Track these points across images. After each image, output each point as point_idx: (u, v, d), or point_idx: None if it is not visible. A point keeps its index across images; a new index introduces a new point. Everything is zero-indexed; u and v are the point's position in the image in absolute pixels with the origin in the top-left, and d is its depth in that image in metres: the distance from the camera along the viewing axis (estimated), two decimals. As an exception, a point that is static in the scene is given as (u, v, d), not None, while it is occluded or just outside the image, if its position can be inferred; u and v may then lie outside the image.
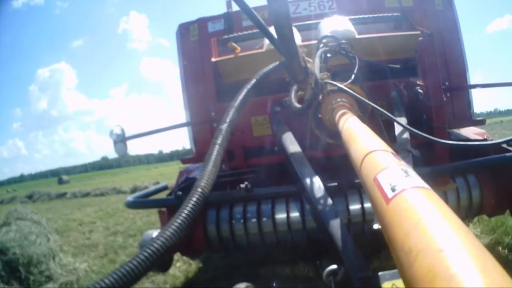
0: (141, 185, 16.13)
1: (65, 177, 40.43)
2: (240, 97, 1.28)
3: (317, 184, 1.77)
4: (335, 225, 1.48)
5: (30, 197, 19.42)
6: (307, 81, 1.68)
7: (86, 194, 17.39)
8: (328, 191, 1.76)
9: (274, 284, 2.87)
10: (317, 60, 1.93)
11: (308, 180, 1.82)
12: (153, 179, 18.71)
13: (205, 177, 0.92)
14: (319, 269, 2.71)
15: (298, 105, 1.86)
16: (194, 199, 0.86)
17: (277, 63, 1.53)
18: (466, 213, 2.35)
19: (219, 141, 1.06)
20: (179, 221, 0.80)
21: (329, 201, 1.66)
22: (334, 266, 1.27)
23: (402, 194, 0.66)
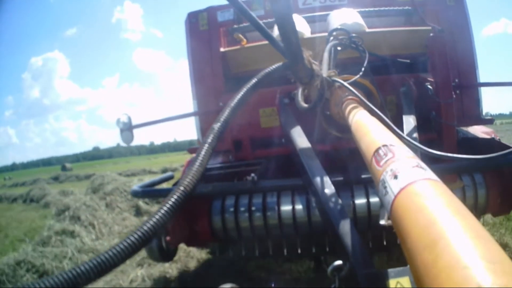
0: (170, 166, 17.71)
1: (68, 165, 41.52)
2: (238, 96, 1.28)
3: (323, 178, 1.76)
4: (341, 220, 1.47)
5: (56, 178, 20.61)
6: (312, 82, 1.66)
7: (118, 175, 17.86)
8: (335, 185, 1.75)
9: (273, 285, 2.87)
10: (326, 54, 1.90)
11: (314, 174, 1.81)
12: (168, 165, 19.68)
13: (190, 175, 0.93)
14: (323, 264, 2.71)
15: (304, 105, 1.84)
16: (175, 196, 0.87)
17: (280, 63, 1.51)
18: (472, 212, 2.33)
19: (209, 140, 1.07)
20: (156, 218, 0.82)
21: (336, 195, 1.66)
22: (339, 262, 1.26)
23: (405, 191, 0.66)
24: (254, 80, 1.40)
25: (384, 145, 0.95)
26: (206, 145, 1.05)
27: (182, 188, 0.90)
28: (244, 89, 1.33)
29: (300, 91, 1.96)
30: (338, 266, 1.26)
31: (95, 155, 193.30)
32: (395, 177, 0.73)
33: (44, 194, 12.34)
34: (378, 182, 0.84)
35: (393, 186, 0.71)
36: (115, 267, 0.75)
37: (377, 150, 0.96)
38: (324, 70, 1.70)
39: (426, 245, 0.51)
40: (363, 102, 1.73)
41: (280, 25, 1.23)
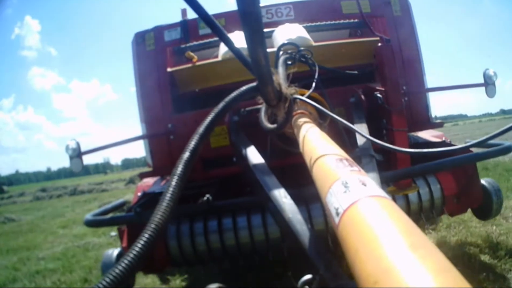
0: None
1: (5, 188, 40.04)
2: (206, 123, 1.22)
3: (282, 193, 1.72)
4: (306, 233, 1.44)
5: (43, 190, 22.53)
6: (280, 104, 1.62)
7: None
8: (294, 199, 1.71)
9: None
10: (281, 69, 1.88)
11: (272, 190, 1.77)
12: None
13: (161, 211, 0.89)
14: (291, 280, 2.65)
15: (270, 125, 1.79)
16: (147, 235, 0.83)
17: (249, 85, 1.46)
18: (429, 214, 2.37)
19: (178, 171, 1.01)
20: (128, 258, 0.78)
21: (296, 209, 1.62)
22: (308, 276, 1.22)
23: (345, 215, 0.63)
24: (222, 104, 1.35)
25: (325, 162, 0.91)
26: (175, 177, 0.99)
27: (153, 225, 0.85)
28: (213, 114, 1.28)
29: (263, 110, 1.91)
30: (308, 280, 1.22)
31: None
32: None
33: (92, 189, 19.60)
34: (324, 201, 0.81)
35: (337, 206, 0.68)
36: None
37: (318, 168, 0.92)
38: (283, 85, 1.67)
39: (371, 269, 0.47)
40: (313, 116, 1.71)
41: (251, 49, 1.17)
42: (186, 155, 1.08)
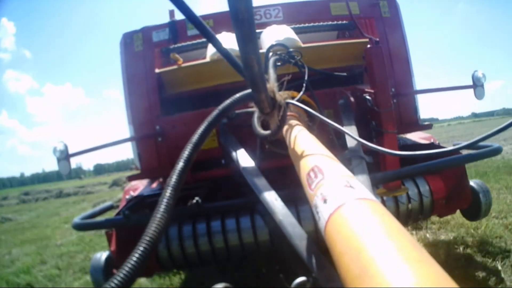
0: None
1: None
2: (200, 131, 1.20)
3: (273, 195, 1.72)
4: (298, 235, 1.43)
5: (26, 194, 23.78)
6: (274, 112, 1.60)
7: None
8: (285, 201, 1.70)
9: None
10: (271, 71, 1.87)
11: (263, 192, 1.76)
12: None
13: (155, 224, 0.87)
14: (284, 282, 2.64)
15: (264, 132, 1.77)
16: (141, 248, 0.81)
17: (243, 93, 1.43)
18: (418, 216, 2.38)
19: (172, 182, 0.99)
20: (123, 273, 0.76)
21: (288, 211, 1.61)
22: (302, 278, 1.22)
23: (334, 215, 0.64)
24: (216, 112, 1.33)
25: (315, 166, 0.90)
26: (170, 188, 0.96)
27: (147, 238, 0.83)
28: (206, 123, 1.26)
29: (256, 116, 1.90)
30: (302, 283, 1.22)
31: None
32: (325, 201, 0.70)
33: (77, 191, 20.73)
34: (312, 206, 0.80)
35: (324, 211, 0.68)
36: None
37: (309, 173, 0.91)
38: (277, 93, 1.65)
39: (357, 275, 0.48)
40: (302, 118, 1.70)
41: (243, 53, 1.15)
42: (180, 165, 1.06)
